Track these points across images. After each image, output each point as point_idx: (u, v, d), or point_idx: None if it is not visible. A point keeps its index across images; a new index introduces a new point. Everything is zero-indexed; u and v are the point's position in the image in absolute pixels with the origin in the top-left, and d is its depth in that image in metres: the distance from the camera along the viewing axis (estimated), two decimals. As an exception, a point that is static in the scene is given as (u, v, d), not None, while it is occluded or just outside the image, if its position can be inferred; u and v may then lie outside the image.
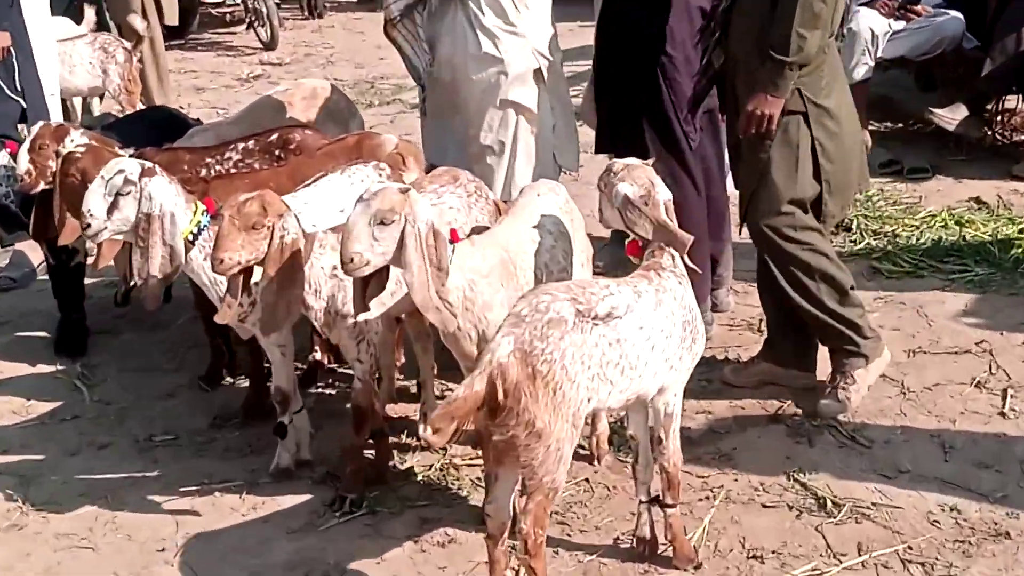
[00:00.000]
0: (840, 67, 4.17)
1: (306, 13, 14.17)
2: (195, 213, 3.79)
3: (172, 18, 9.56)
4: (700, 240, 4.70)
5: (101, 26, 8.65)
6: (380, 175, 4.18)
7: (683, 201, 4.32)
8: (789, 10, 3.86)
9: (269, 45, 12.08)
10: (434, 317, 3.30)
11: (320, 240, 3.71)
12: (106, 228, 3.73)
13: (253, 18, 12.41)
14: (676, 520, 3.44)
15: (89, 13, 8.66)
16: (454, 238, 3.45)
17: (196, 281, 3.96)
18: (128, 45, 7.86)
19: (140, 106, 7.63)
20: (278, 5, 12.64)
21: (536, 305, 2.97)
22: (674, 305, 3.22)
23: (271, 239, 3.52)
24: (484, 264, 3.50)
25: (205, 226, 3.75)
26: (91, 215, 3.70)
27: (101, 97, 8.66)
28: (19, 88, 5.67)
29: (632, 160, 3.46)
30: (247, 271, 3.61)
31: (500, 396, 2.87)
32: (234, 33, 13.41)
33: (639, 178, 3.34)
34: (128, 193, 3.69)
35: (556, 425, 2.94)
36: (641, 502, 3.49)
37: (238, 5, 13.15)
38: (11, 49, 5.65)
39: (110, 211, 3.70)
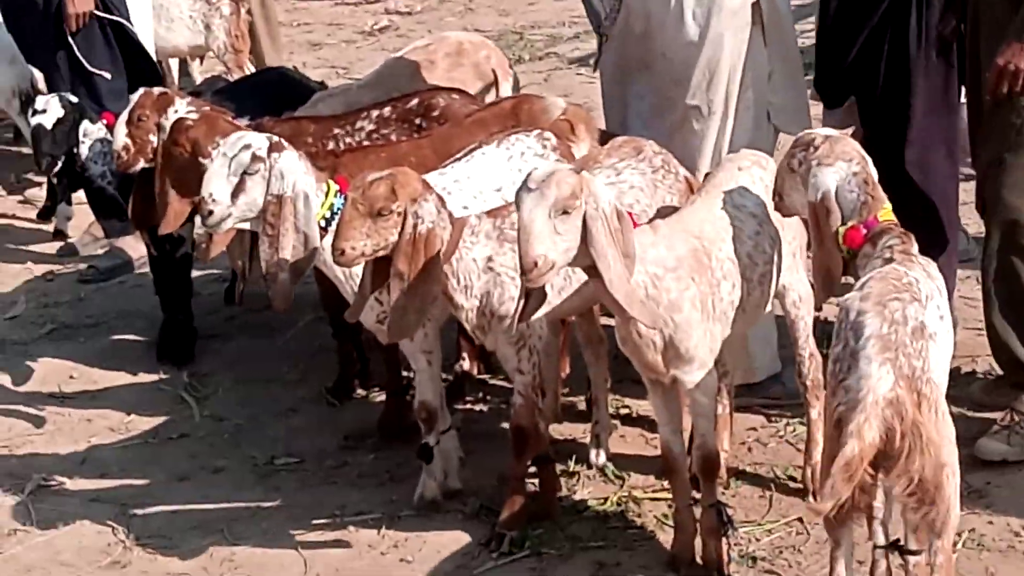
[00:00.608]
0: None
1: (439, -49, 14.35)
2: (327, 194, 3.87)
3: None
4: (951, 216, 4.64)
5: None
6: (544, 146, 4.21)
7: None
8: None
9: (397, -10, 12.28)
10: (640, 314, 3.30)
11: (472, 227, 3.75)
12: (231, 215, 3.83)
13: (378, -42, 12.63)
14: (922, 570, 3.37)
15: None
16: (632, 224, 3.46)
17: (328, 274, 4.05)
18: (236, -6, 8.01)
19: (250, 68, 7.80)
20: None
21: (893, 316, 2.96)
22: (941, 300, 3.18)
23: (402, 227, 3.57)
24: (670, 255, 3.49)
25: (339, 209, 3.82)
26: (213, 200, 3.80)
27: (202, 59, 8.90)
28: (114, 57, 5.88)
29: (829, 131, 3.43)
30: (386, 262, 3.66)
31: (898, 440, 2.87)
32: (355, -23, 13.68)
33: (848, 153, 3.31)
34: (256, 172, 3.79)
35: (949, 451, 2.96)
36: (875, 547, 3.43)
37: (359, -57, 13.38)
38: (94, 14, 5.87)
39: (235, 194, 3.80)
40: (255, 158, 3.79)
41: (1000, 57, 3.95)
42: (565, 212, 3.18)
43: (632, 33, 4.56)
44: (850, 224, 3.35)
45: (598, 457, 4.35)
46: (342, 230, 3.58)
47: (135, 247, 6.18)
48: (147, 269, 5.97)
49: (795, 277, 3.91)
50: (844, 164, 3.33)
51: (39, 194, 7.21)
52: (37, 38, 5.95)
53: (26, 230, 6.97)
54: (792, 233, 3.84)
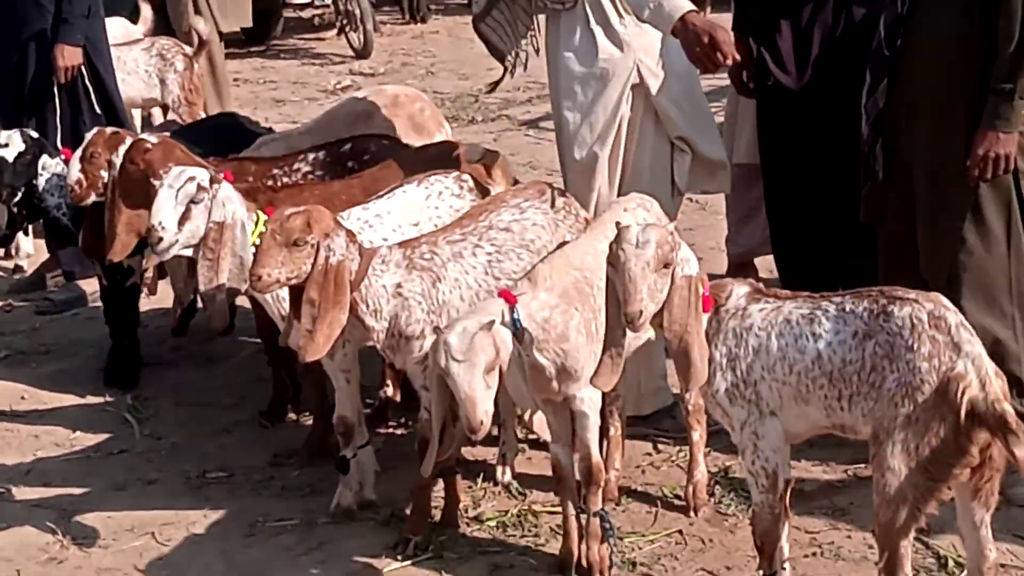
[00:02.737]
0: None
1: (407, 17, 14.89)
2: (257, 223, 4.29)
3: (244, 19, 10.14)
4: None
5: (159, 28, 9.33)
6: (461, 187, 4.65)
7: None
8: (1010, 30, 4.08)
9: (362, 52, 12.78)
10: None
11: (383, 256, 4.16)
12: (177, 241, 4.23)
13: (345, 21, 13.15)
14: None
15: (146, 10, 9.37)
16: (504, 295, 3.82)
17: (258, 299, 4.45)
18: (189, 51, 8.43)
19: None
20: (374, 6, 13.31)
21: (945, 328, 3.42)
22: None
23: (315, 258, 3.98)
24: (551, 295, 3.88)
25: None
26: (162, 227, 4.20)
27: (165, 110, 9.33)
28: (96, 107, 6.39)
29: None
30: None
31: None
32: (323, 39, 14.20)
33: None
34: (201, 201, 4.21)
35: None
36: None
37: (328, 7, 13.91)
38: (82, 68, 6.36)
39: (181, 222, 4.21)
40: (200, 188, 4.21)
41: (980, 147, 4.19)
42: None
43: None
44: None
45: (503, 475, 4.74)
46: (260, 258, 3.97)
47: (90, 283, 6.62)
48: (100, 303, 6.42)
49: None
50: None
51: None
52: (30, 90, 6.43)
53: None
54: None
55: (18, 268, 7.21)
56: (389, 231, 4.48)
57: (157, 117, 9.24)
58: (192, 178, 4.24)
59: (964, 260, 4.35)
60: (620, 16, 4.70)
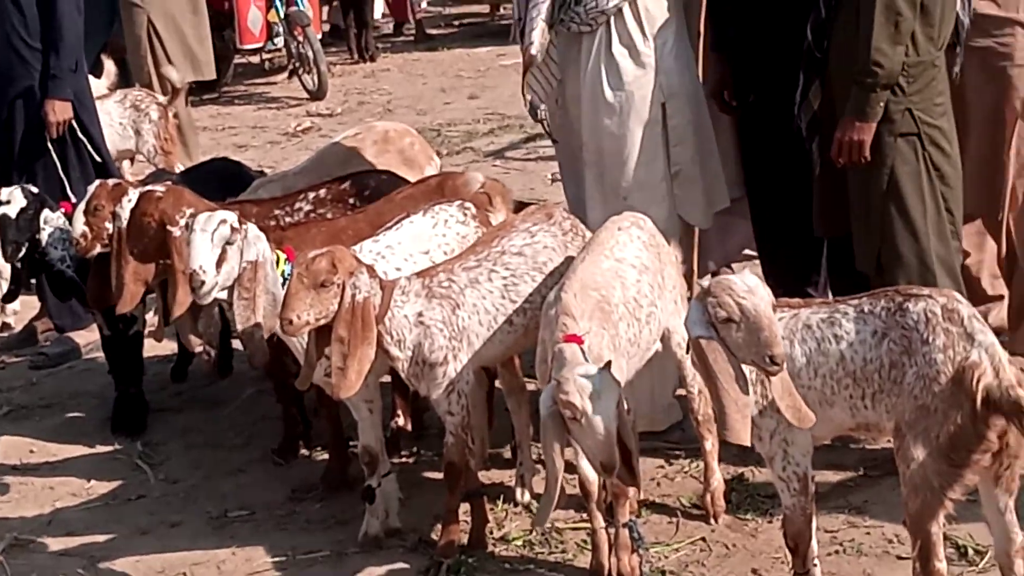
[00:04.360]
0: (947, 84, 4.69)
1: (355, 56, 15.03)
2: (279, 262, 4.42)
3: (209, 70, 10.24)
4: None
5: (122, 82, 9.43)
6: (465, 215, 4.80)
7: None
8: (867, 28, 4.42)
9: (316, 94, 12.89)
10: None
11: (402, 288, 4.31)
12: (216, 284, 4.35)
13: (297, 64, 13.26)
14: None
15: (109, 65, 9.45)
16: (571, 339, 3.90)
17: (288, 343, 4.55)
18: (163, 100, 8.56)
19: (180, 167, 8.33)
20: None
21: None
22: None
23: (341, 297, 4.12)
24: (585, 322, 3.99)
25: (289, 275, 4.37)
26: (203, 271, 4.32)
27: (132, 160, 9.41)
28: (88, 161, 6.53)
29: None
30: (326, 330, 4.19)
31: None
32: (274, 83, 14.32)
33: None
34: (234, 243, 4.34)
35: None
36: None
37: (279, 51, 14.03)
38: (72, 123, 6.49)
39: (218, 264, 4.34)
40: (233, 229, 4.34)
41: (838, 131, 4.55)
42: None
43: (568, 123, 5.21)
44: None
45: (523, 496, 4.88)
46: (289, 302, 4.11)
47: (82, 335, 6.71)
48: (94, 355, 6.51)
49: (678, 321, 4.43)
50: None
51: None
52: (21, 146, 6.54)
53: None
54: (672, 283, 4.45)
55: (6, 326, 7.26)
56: (401, 261, 4.62)
57: (125, 170, 9.34)
58: (224, 220, 4.38)
59: (889, 246, 4.61)
60: (645, 38, 4.87)
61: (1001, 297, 5.47)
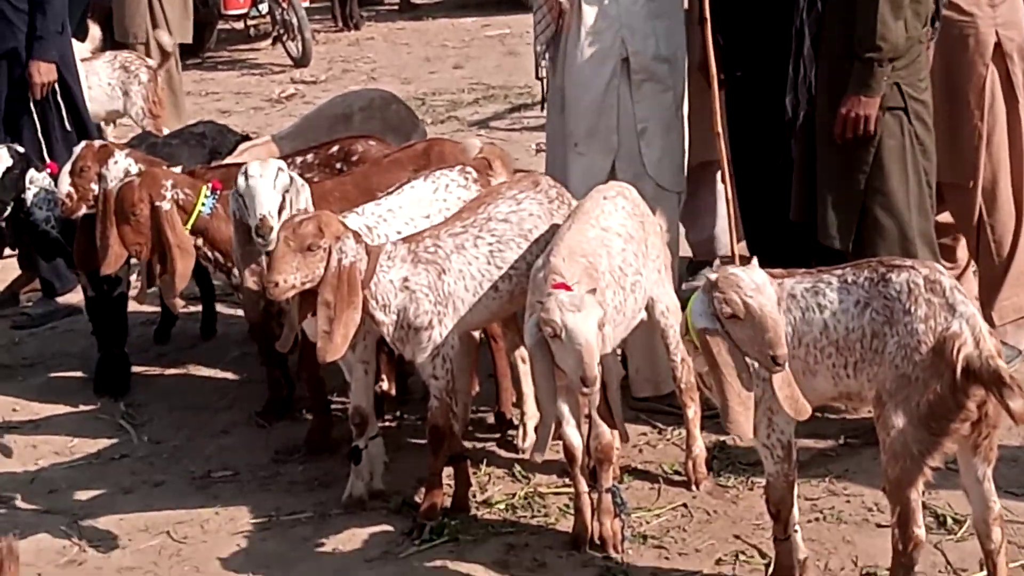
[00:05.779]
0: (928, 59, 4.76)
1: (340, 24, 15.01)
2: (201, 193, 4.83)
3: (185, 35, 10.24)
4: None
5: (106, 46, 9.42)
6: (466, 180, 4.83)
7: None
8: (867, 3, 4.47)
9: (301, 61, 12.90)
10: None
11: (388, 253, 4.33)
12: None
13: (282, 31, 13.26)
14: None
15: (94, 29, 9.44)
16: (559, 287, 3.93)
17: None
18: (152, 63, 8.57)
19: (166, 131, 8.34)
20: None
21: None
22: None
23: (328, 261, 4.15)
24: (572, 280, 4.04)
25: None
26: (272, 216, 4.39)
27: (113, 123, 9.41)
28: (67, 123, 6.55)
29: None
30: (311, 294, 4.21)
31: None
32: (258, 49, 14.30)
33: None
34: (291, 188, 4.46)
35: None
36: None
37: (263, 17, 14.00)
38: (55, 84, 6.50)
39: (279, 211, 4.42)
40: (291, 177, 4.47)
41: (843, 107, 4.60)
42: None
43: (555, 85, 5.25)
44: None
45: (524, 441, 4.93)
46: (275, 264, 4.13)
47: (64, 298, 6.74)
48: (76, 316, 6.52)
49: (662, 290, 4.52)
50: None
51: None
52: (5, 107, 6.57)
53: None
54: (656, 252, 4.48)
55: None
56: (402, 224, 4.66)
57: (108, 134, 9.34)
58: (281, 168, 4.46)
59: (871, 219, 4.69)
60: None
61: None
